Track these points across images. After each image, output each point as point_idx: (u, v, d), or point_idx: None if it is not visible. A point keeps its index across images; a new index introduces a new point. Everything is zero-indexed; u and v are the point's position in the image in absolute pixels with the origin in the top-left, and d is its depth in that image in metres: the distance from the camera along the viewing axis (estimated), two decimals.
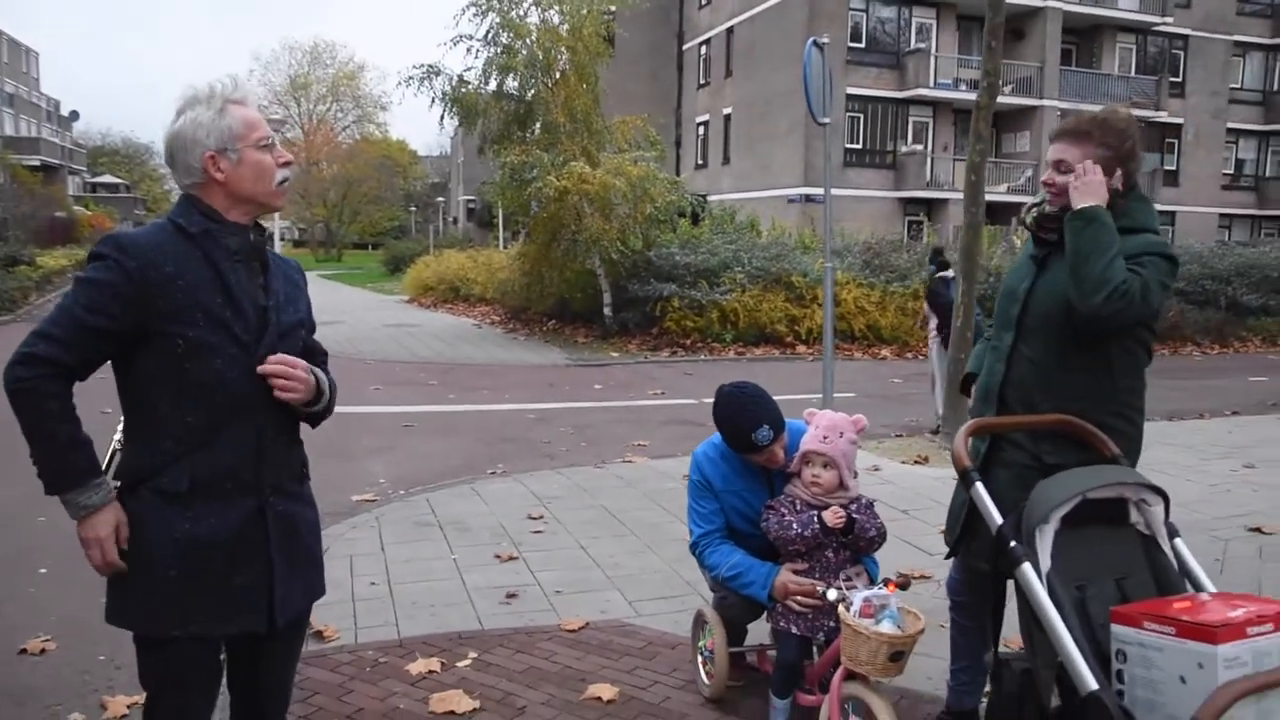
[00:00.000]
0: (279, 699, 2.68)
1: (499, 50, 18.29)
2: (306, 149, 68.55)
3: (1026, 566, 2.52)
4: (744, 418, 3.57)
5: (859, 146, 34.11)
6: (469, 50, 18.58)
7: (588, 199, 16.92)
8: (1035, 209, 3.16)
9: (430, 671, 4.19)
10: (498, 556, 5.79)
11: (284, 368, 2.34)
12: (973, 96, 30.98)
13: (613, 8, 20.62)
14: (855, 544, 3.57)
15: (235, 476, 2.34)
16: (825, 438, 3.51)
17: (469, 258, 28.96)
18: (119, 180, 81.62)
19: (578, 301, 19.06)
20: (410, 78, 18.71)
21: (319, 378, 2.48)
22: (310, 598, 2.61)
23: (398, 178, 71.66)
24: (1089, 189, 2.92)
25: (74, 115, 79.97)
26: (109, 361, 2.33)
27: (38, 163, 57.68)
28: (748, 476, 3.77)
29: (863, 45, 34.15)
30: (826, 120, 8.55)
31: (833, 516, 3.49)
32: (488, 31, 18.31)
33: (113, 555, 2.29)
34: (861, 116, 34.25)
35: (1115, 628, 2.45)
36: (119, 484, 2.36)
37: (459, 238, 46.93)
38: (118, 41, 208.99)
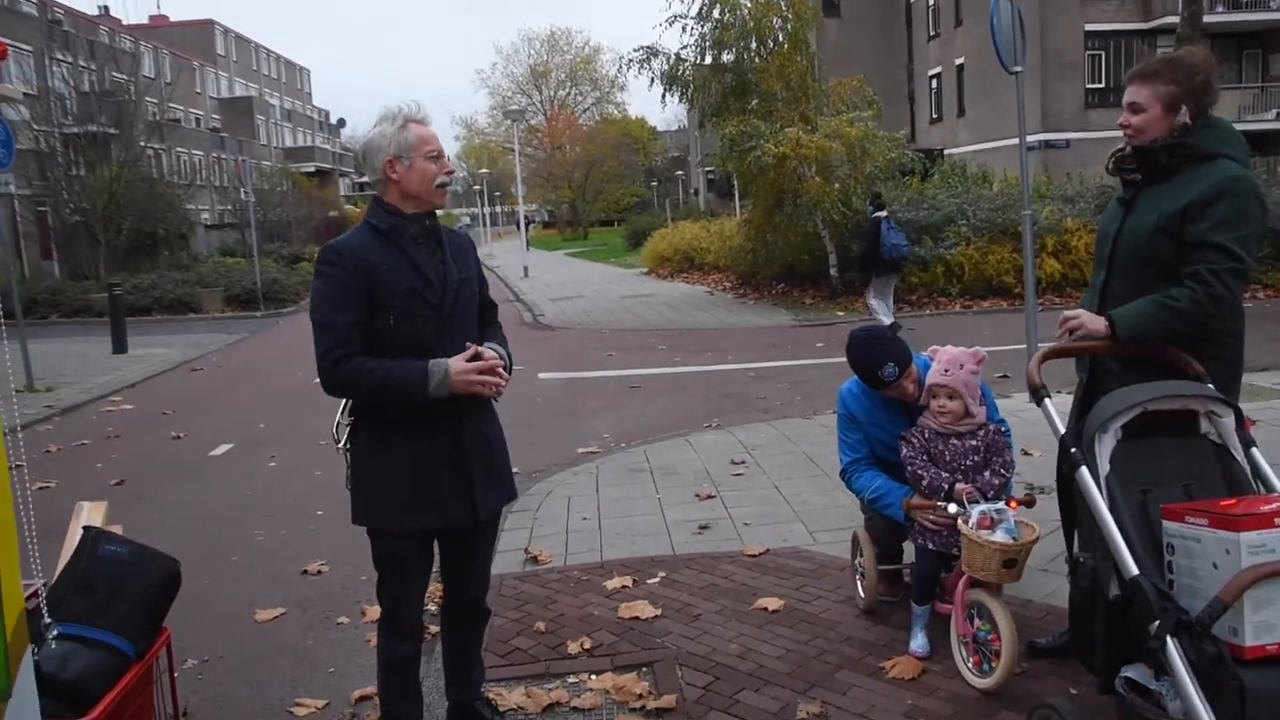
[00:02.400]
0: (481, 582, 3.46)
1: (712, 25, 18.82)
2: (549, 134, 71.43)
3: (1083, 470, 2.89)
4: (870, 357, 4.02)
5: (1101, 86, 32.38)
6: (684, 29, 19.21)
7: (806, 163, 17.24)
8: (1115, 153, 3.45)
9: (623, 587, 4.90)
10: (697, 495, 6.44)
11: (491, 376, 3.05)
12: (1234, 18, 28.72)
13: None
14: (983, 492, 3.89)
15: (432, 408, 3.04)
16: (946, 370, 3.91)
17: (702, 228, 29.71)
18: None
19: (804, 264, 19.40)
20: (630, 60, 19.56)
21: (505, 356, 3.18)
22: (503, 500, 3.37)
23: (638, 154, 73.40)
24: (1090, 324, 3.28)
25: (341, 122, 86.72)
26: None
27: (313, 169, 63.14)
28: (887, 409, 4.21)
29: None
30: (1019, 68, 8.60)
31: (954, 506, 3.75)
32: (701, 8, 18.87)
33: (485, 378, 3.02)
34: (1103, 54, 32.52)
35: (1165, 523, 2.79)
36: (352, 419, 3.16)
37: (699, 209, 47.80)
38: (375, 48, 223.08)
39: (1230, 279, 3.13)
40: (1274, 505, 2.63)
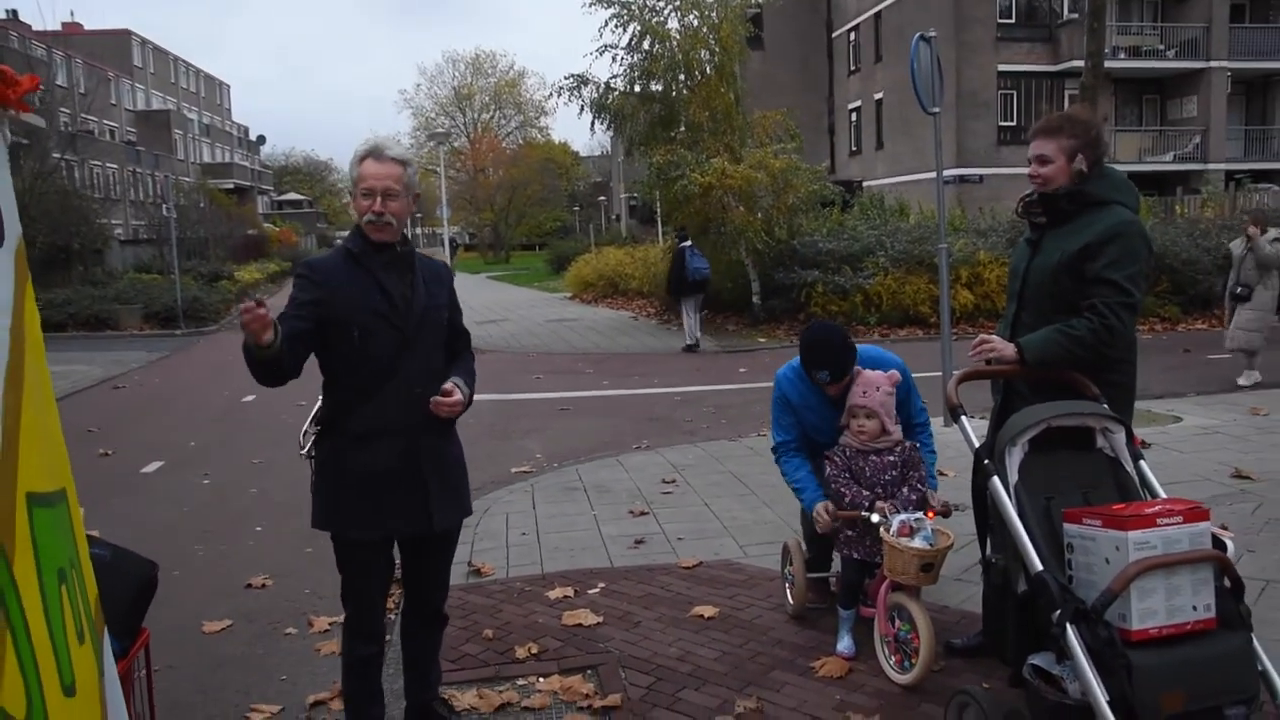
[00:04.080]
0: (440, 589, 3.68)
1: (642, 56, 19.27)
2: (472, 156, 71.41)
3: (995, 480, 3.24)
4: (810, 357, 4.31)
5: (1013, 124, 33.67)
6: (614, 59, 19.61)
7: (732, 193, 17.72)
8: (1024, 199, 3.84)
9: (565, 597, 5.15)
10: (631, 512, 6.71)
11: (447, 405, 3.27)
12: (1135, 64, 30.02)
13: (758, 1, 21.27)
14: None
15: (397, 420, 3.28)
16: (864, 392, 4.25)
17: (626, 253, 30.09)
18: (302, 197, 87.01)
19: (728, 291, 19.85)
20: (561, 88, 19.89)
21: (464, 388, 3.37)
22: (460, 513, 3.58)
23: (561, 179, 73.77)
24: (1000, 349, 3.67)
25: (261, 139, 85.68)
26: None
27: (231, 185, 62.34)
28: (820, 395, 4.49)
29: (1013, 20, 33.73)
30: (936, 110, 9.08)
31: (877, 516, 4.08)
32: (631, 39, 19.29)
33: (250, 314, 2.92)
34: (1014, 93, 33.85)
35: (1066, 525, 3.14)
36: (319, 428, 3.38)
37: (621, 235, 48.23)
38: (296, 66, 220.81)
39: (1122, 311, 3.53)
40: (1156, 508, 3.00)
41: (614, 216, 64.84)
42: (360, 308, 3.24)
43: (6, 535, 1.80)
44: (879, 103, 38.74)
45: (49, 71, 38.21)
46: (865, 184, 35.41)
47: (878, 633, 4.16)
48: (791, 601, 4.78)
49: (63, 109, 34.63)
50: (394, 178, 3.25)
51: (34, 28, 50.19)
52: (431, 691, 3.78)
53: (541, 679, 4.24)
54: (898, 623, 4.05)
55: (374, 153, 3.27)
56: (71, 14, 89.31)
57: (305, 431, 3.45)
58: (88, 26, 63.36)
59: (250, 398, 12.63)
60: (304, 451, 3.43)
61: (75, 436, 10.95)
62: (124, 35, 64.67)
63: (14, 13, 53.90)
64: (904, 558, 3.90)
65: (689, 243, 17.09)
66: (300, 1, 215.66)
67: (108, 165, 49.22)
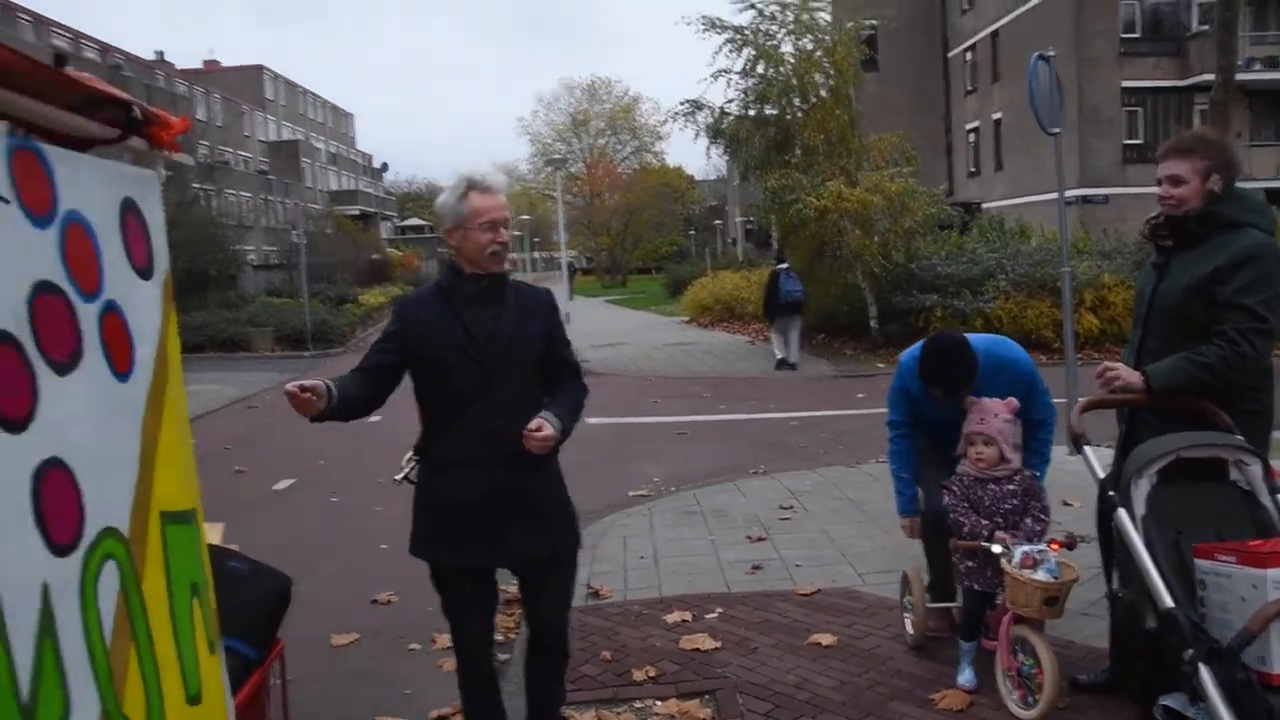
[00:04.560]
0: (550, 618, 3.62)
1: (756, 81, 19.32)
2: (589, 181, 72.30)
3: (1120, 511, 3.18)
4: (927, 369, 4.26)
5: (1139, 142, 32.57)
6: (728, 83, 19.71)
7: (848, 216, 17.60)
8: (1150, 221, 3.76)
9: (683, 621, 5.19)
10: (749, 537, 6.72)
11: (536, 440, 3.19)
12: (1271, 76, 28.73)
13: (872, 22, 21.14)
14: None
15: (477, 452, 3.30)
16: (981, 419, 4.19)
17: (742, 277, 30.07)
18: (423, 222, 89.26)
19: (844, 315, 19.68)
20: (675, 114, 20.09)
21: (554, 422, 3.25)
22: (547, 545, 3.46)
23: (676, 203, 74.21)
24: (1126, 378, 3.58)
25: (384, 167, 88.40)
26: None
27: (357, 212, 64.47)
28: None
29: (1138, 34, 32.73)
30: (1057, 131, 8.91)
31: (998, 546, 4.01)
32: (745, 64, 19.37)
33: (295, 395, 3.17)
34: (1140, 110, 32.78)
35: (1197, 561, 3.07)
36: (417, 456, 3.52)
37: (737, 258, 48.21)
38: (420, 95, 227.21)
39: (1255, 338, 3.42)
40: None
41: (730, 240, 64.88)
42: (440, 342, 3.31)
43: (139, 551, 1.93)
44: (997, 123, 37.97)
45: (190, 107, 40.14)
46: (984, 206, 34.69)
47: (1000, 666, 4.09)
48: (911, 631, 4.74)
49: (202, 142, 36.31)
50: (506, 208, 3.37)
51: (177, 66, 52.90)
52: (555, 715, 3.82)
53: (659, 702, 4.29)
54: (1021, 656, 3.98)
55: (478, 186, 3.30)
56: (211, 51, 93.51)
57: (407, 458, 3.57)
58: (225, 64, 66.50)
59: (376, 418, 12.99)
60: (397, 478, 3.56)
61: (212, 454, 11.46)
62: (257, 71, 67.66)
63: (161, 53, 56.93)
64: (1027, 590, 3.83)
65: (784, 265, 17.71)
66: (425, 30, 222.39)
67: (242, 194, 51.43)
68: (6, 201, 1.55)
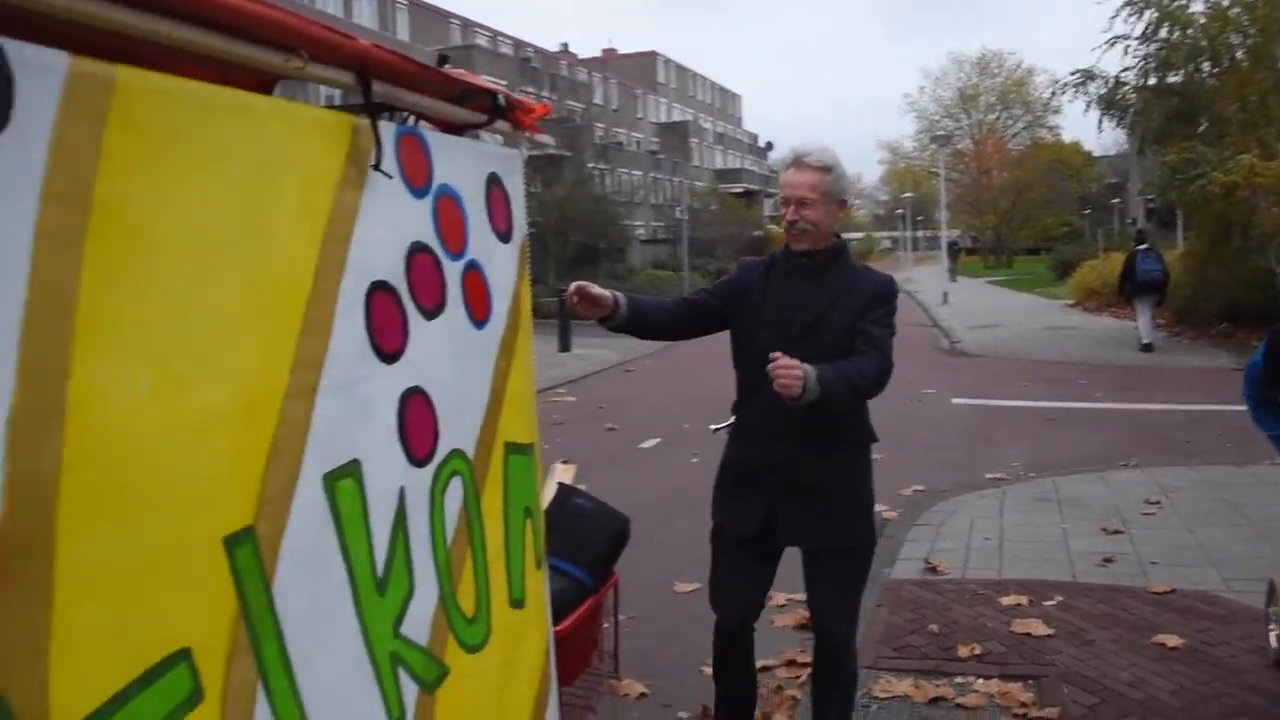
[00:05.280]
0: (827, 612, 3.38)
1: (1158, 46, 17.74)
2: (976, 158, 69.55)
3: None
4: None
5: None
6: (1125, 50, 18.25)
7: (1261, 193, 15.82)
8: None
9: (1018, 604, 5.09)
10: (1104, 530, 6.40)
11: (781, 367, 2.91)
12: None
13: None
14: None
15: (762, 424, 3.29)
16: None
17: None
18: None
19: (1251, 303, 17.71)
20: (1065, 85, 18.91)
21: (812, 372, 2.93)
22: (821, 540, 3.30)
23: (1070, 181, 69.60)
24: None
25: (769, 146, 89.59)
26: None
27: (741, 189, 66.00)
28: None
29: None
30: None
31: None
32: (1146, 28, 17.83)
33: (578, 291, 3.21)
34: None
35: None
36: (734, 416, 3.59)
37: (1130, 239, 44.62)
38: (807, 73, 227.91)
39: None
40: None
41: (1128, 220, 60.03)
42: (747, 307, 3.36)
43: (481, 473, 2.29)
44: None
45: (589, 92, 42.96)
46: None
47: None
48: (1275, 645, 4.36)
49: (598, 124, 38.78)
50: (808, 185, 3.23)
51: (578, 56, 56.78)
52: None
53: (980, 680, 4.27)
54: None
55: (795, 161, 3.31)
56: (609, 40, 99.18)
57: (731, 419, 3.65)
58: (621, 51, 70.35)
59: None
60: (713, 428, 3.70)
61: (588, 412, 12.44)
62: (650, 56, 70.93)
63: (565, 45, 61.36)
64: None
65: (1144, 245, 17.30)
66: (812, 6, 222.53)
67: (633, 172, 54.28)
68: (390, 176, 1.92)
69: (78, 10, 1.23)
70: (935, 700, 4.12)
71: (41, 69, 1.15)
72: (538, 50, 52.91)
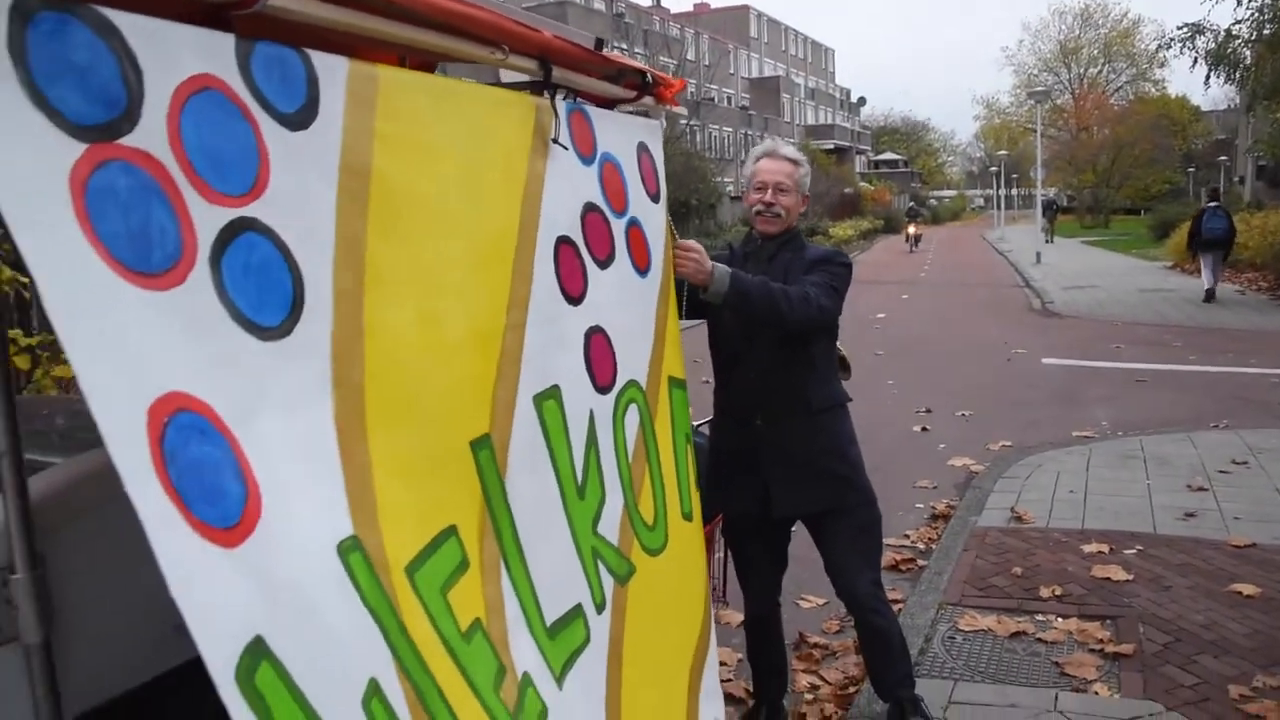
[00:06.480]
0: (846, 573, 3.45)
1: None
2: (1075, 114, 67.80)
3: None
4: None
5: None
6: (1239, 2, 17.78)
7: None
8: None
9: (1099, 552, 5.34)
10: (1189, 486, 6.56)
11: (681, 247, 2.99)
12: None
13: None
14: None
15: (736, 406, 3.40)
16: None
17: (1241, 220, 27.07)
18: (898, 156, 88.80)
19: None
20: (1171, 40, 18.53)
21: (724, 269, 3.01)
22: (816, 504, 3.40)
23: (1174, 138, 67.44)
24: None
25: (861, 101, 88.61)
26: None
27: (831, 146, 65.56)
28: None
29: None
30: None
31: None
32: None
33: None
34: None
35: None
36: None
37: (1242, 199, 43.24)
38: (902, 28, 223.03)
39: None
40: None
41: (1236, 179, 58.13)
42: None
43: (652, 402, 2.67)
44: None
45: (681, 48, 42.92)
46: None
47: None
48: None
49: (689, 80, 38.78)
50: (785, 174, 3.35)
51: (670, 11, 56.62)
52: (889, 690, 3.63)
53: (1060, 619, 4.54)
54: None
55: (770, 153, 3.40)
56: None
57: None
58: (713, 5, 69.88)
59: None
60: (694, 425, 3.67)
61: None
62: (743, 11, 70.35)
63: (657, 0, 61.15)
64: None
65: (1214, 204, 18.51)
66: None
67: (724, 129, 54.24)
68: (565, 148, 2.28)
69: (340, 21, 1.58)
70: (1016, 635, 4.40)
71: (331, 72, 1.51)
72: (630, 5, 52.94)
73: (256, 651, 1.21)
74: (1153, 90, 69.22)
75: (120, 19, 1.20)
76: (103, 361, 1.11)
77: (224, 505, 1.22)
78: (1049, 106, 58.21)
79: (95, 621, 1.79)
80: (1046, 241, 36.91)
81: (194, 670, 1.97)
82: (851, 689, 4.11)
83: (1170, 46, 18.78)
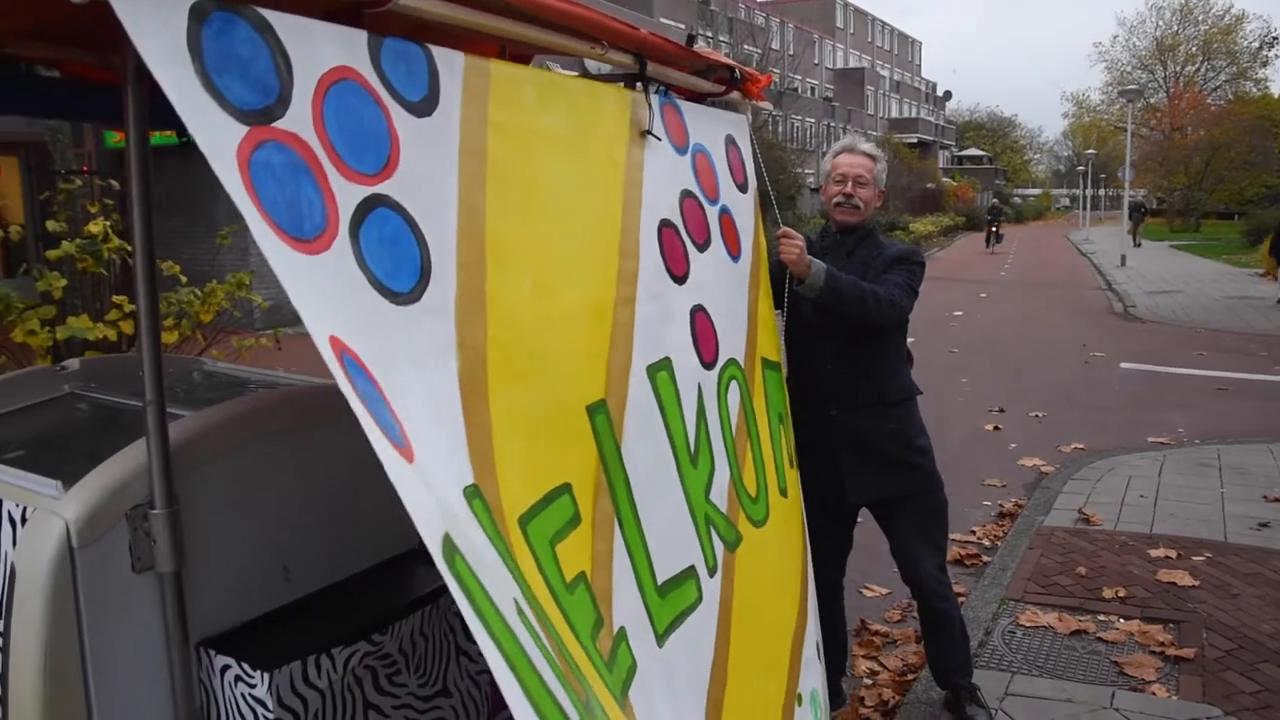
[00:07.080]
0: (912, 558, 3.55)
1: None
2: (1169, 114, 66.03)
3: None
4: None
5: None
6: None
7: None
8: None
9: (1166, 556, 5.34)
10: (1265, 497, 6.49)
11: (784, 236, 3.10)
12: None
13: None
14: None
15: (809, 392, 3.43)
16: None
17: None
18: (982, 153, 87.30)
19: None
20: (1276, 36, 18.03)
21: (820, 264, 3.12)
22: (888, 489, 3.50)
23: (1274, 140, 65.36)
24: None
25: (947, 95, 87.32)
26: None
27: (915, 140, 64.74)
28: None
29: None
30: None
31: None
32: None
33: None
34: None
35: None
36: None
37: None
38: (991, 21, 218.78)
39: None
40: None
41: None
42: (792, 285, 3.42)
43: (750, 380, 2.81)
44: None
45: (766, 37, 42.73)
46: None
47: None
48: None
49: (773, 69, 38.62)
50: (864, 167, 3.46)
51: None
52: (946, 678, 3.74)
53: (1122, 620, 4.58)
54: None
55: (849, 148, 3.52)
56: None
57: None
58: None
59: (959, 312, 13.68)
60: None
61: None
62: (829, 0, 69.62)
63: None
64: None
65: None
66: None
67: (806, 119, 53.83)
68: (659, 139, 2.40)
69: (459, 18, 1.72)
70: (1077, 633, 4.45)
71: (449, 64, 1.66)
72: None
73: (449, 544, 1.36)
74: (1254, 90, 67.04)
75: (274, 17, 1.37)
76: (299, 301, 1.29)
77: (393, 432, 1.37)
78: (1141, 105, 56.85)
79: (217, 558, 1.97)
80: (1134, 245, 36.16)
81: (301, 608, 2.15)
82: (910, 676, 4.20)
83: (1275, 44, 18.26)
